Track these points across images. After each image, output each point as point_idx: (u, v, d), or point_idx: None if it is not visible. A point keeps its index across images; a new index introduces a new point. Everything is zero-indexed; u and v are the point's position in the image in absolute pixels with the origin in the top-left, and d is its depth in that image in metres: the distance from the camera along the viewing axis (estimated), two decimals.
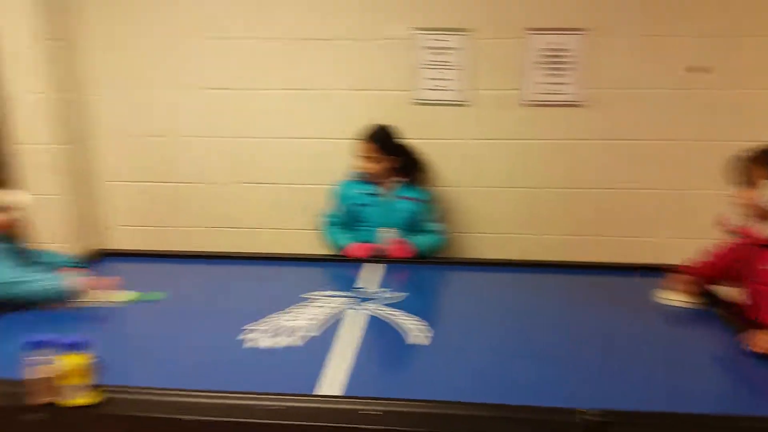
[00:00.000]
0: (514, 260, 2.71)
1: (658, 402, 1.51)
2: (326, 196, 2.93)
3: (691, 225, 3.03)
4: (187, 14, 3.02)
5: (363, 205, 2.80)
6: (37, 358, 1.39)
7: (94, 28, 3.06)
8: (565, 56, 2.91)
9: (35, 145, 2.93)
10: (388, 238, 2.71)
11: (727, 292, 2.16)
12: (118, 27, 3.05)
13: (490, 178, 3.09)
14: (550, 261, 2.68)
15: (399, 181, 2.83)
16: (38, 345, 1.39)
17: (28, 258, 2.24)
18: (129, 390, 1.47)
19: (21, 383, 1.42)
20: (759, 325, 1.84)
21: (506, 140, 3.03)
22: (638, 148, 3.00)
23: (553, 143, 3.02)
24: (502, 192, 3.11)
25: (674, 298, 2.17)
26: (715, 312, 2.07)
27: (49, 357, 1.39)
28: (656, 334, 1.99)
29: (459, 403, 1.44)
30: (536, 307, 2.21)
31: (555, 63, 2.92)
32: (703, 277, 2.17)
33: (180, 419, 1.39)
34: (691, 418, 1.40)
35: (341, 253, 2.73)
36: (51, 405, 1.40)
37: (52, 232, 2.94)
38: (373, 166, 2.76)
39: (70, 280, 2.09)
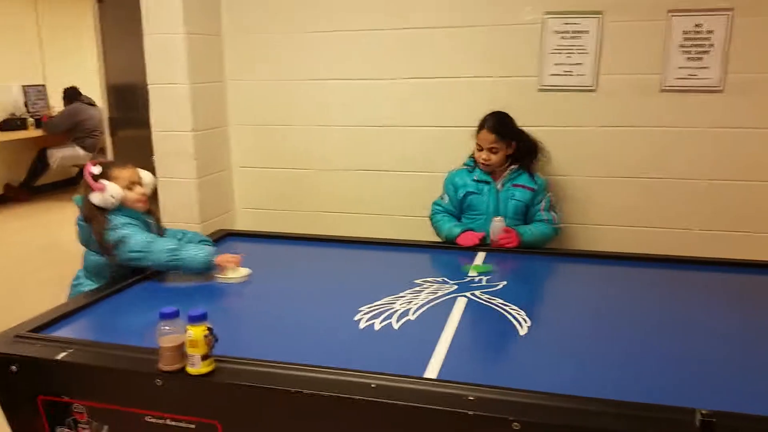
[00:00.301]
0: (634, 254, 2.59)
1: None
2: (439, 183, 2.93)
3: None
4: (316, 8, 3.13)
5: (474, 193, 2.78)
6: (168, 328, 1.52)
7: (229, 22, 3.26)
8: (707, 39, 2.71)
9: (173, 131, 3.15)
10: (498, 226, 2.67)
11: None
12: (251, 21, 3.23)
13: (616, 167, 2.94)
14: (677, 256, 2.53)
15: (513, 169, 2.78)
16: (168, 316, 1.52)
17: (161, 233, 2.41)
18: (245, 361, 1.58)
19: (151, 351, 1.56)
20: None
21: (638, 127, 2.87)
22: None
23: (690, 131, 2.82)
24: (628, 182, 2.94)
25: None
26: None
27: (178, 327, 1.52)
28: None
29: (557, 395, 1.41)
30: (652, 303, 2.10)
31: (695, 46, 2.73)
32: None
33: (290, 391, 1.46)
34: None
35: (451, 241, 2.73)
36: (178, 372, 1.53)
37: (183, 212, 3.17)
38: (487, 154, 2.74)
39: (215, 254, 2.25)
